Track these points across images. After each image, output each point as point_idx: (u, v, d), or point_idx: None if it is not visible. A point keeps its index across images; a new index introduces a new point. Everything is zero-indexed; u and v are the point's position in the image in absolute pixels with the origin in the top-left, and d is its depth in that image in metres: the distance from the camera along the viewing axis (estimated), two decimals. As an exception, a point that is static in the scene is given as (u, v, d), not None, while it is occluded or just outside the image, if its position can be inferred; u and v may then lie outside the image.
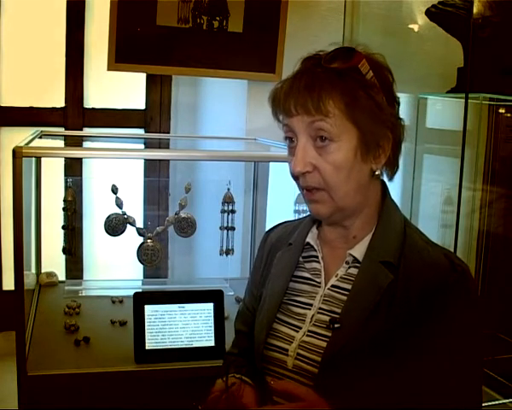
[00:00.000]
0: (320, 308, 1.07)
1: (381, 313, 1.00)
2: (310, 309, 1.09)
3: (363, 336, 1.00)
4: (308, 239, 1.15)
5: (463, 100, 1.99)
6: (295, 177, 1.06)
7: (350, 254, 1.08)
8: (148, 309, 1.55)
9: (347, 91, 1.00)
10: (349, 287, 1.05)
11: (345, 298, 1.05)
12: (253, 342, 1.18)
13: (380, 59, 1.06)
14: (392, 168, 1.10)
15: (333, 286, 1.08)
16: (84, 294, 2.02)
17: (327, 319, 1.05)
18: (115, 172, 2.11)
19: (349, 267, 1.08)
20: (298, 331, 1.08)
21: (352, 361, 0.99)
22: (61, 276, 2.22)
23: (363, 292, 1.03)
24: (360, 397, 0.98)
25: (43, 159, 2.08)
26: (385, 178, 1.12)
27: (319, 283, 1.10)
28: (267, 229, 1.31)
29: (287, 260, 1.16)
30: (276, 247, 1.22)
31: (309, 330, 1.07)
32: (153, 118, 2.66)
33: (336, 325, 1.02)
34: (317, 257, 1.13)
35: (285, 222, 1.29)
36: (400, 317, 0.99)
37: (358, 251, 1.07)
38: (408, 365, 0.98)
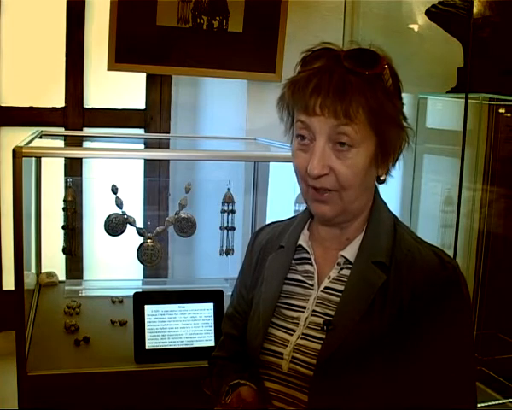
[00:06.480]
0: (314, 311, 1.07)
1: (375, 314, 1.00)
2: (303, 312, 1.08)
3: (357, 337, 1.00)
4: (300, 241, 1.14)
5: (463, 100, 1.99)
6: (303, 176, 1.02)
7: (341, 255, 1.07)
8: (148, 309, 1.55)
9: (375, 99, 0.98)
10: (342, 288, 1.05)
11: (338, 300, 1.05)
12: (244, 346, 1.17)
13: (391, 63, 1.04)
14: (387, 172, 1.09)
15: (326, 288, 1.08)
16: (84, 294, 2.01)
17: (321, 321, 1.04)
18: (115, 172, 2.11)
19: (341, 269, 1.07)
20: (292, 335, 1.07)
21: (347, 363, 0.99)
22: (61, 276, 2.22)
23: (357, 293, 1.03)
24: (356, 398, 0.98)
25: (43, 159, 2.08)
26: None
27: (312, 285, 1.09)
28: (255, 230, 1.29)
29: (279, 263, 1.15)
30: (266, 249, 1.20)
31: (303, 333, 1.06)
32: (153, 118, 2.66)
33: (330, 327, 1.02)
34: (309, 259, 1.12)
35: (273, 223, 1.27)
36: (394, 316, 1.00)
37: (349, 252, 1.07)
38: (403, 363, 0.98)
